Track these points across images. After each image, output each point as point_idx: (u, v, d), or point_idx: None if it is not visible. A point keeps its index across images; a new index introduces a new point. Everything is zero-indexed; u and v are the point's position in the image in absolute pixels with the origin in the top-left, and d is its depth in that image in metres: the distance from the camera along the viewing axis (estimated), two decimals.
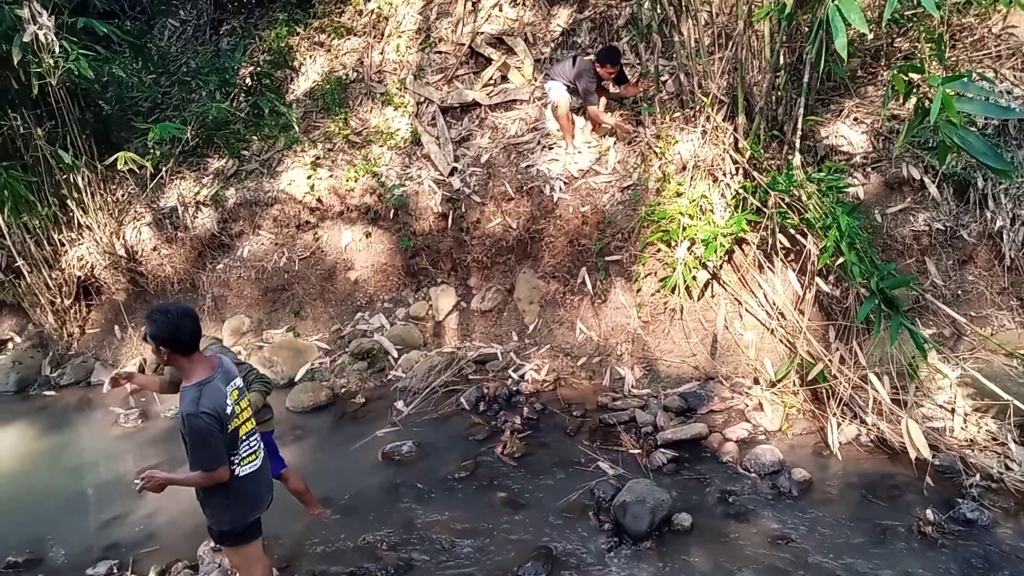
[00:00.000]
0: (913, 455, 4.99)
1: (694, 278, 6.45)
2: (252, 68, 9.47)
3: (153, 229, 8.57)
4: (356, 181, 8.19)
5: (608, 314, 7.05)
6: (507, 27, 9.05)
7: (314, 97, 9.33)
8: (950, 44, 6.64)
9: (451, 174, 8.00)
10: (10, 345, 9.07)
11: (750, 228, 6.29)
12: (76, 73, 7.38)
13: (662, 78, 7.49)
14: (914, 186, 6.24)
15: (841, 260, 5.49)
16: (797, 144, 6.14)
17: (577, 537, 4.85)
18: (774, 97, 6.41)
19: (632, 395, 6.52)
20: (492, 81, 8.76)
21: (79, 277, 8.59)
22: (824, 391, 5.71)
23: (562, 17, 8.94)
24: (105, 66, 8.07)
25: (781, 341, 6.26)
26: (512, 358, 7.23)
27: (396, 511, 5.31)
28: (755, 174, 6.24)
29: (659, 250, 6.70)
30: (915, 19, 6.69)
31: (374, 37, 9.66)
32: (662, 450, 5.66)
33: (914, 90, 4.60)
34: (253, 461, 3.66)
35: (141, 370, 8.00)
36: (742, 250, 6.49)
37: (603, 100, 7.62)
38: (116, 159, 7.75)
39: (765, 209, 6.09)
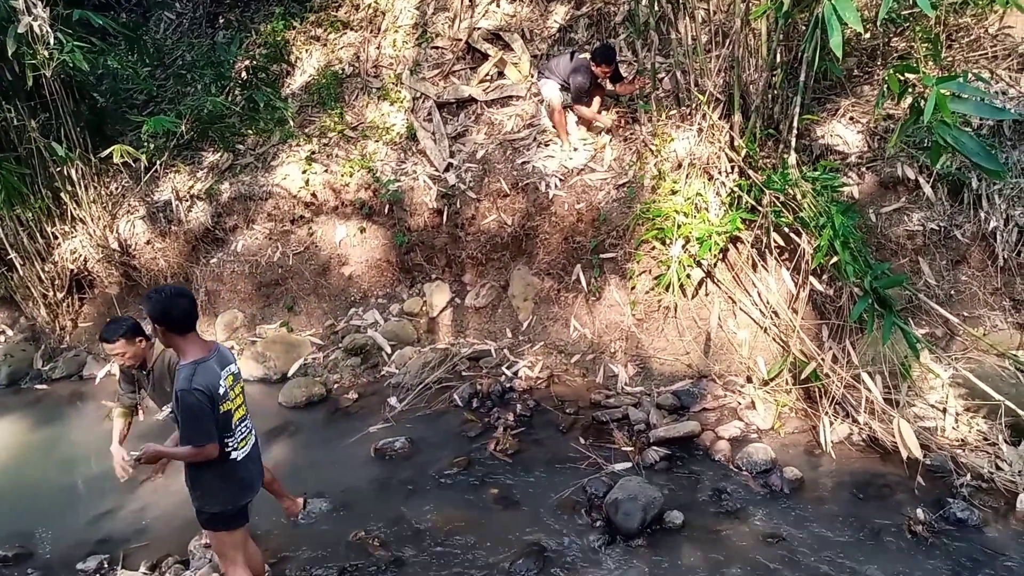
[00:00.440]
0: (904, 454, 5.01)
1: (688, 276, 6.45)
2: (248, 62, 9.42)
3: (147, 223, 8.54)
4: (351, 176, 8.17)
5: (602, 311, 7.05)
6: (504, 23, 9.03)
7: (310, 92, 9.30)
8: (946, 44, 6.65)
9: (446, 170, 7.99)
10: (2, 338, 9.02)
11: (745, 226, 6.29)
12: (71, 65, 7.35)
13: (658, 75, 7.48)
14: (909, 186, 6.25)
15: (835, 259, 5.49)
16: (792, 143, 6.13)
17: (569, 534, 4.85)
18: (770, 95, 6.41)
19: (625, 393, 6.51)
20: (488, 77, 8.75)
21: (72, 270, 8.56)
22: (817, 390, 5.71)
23: (559, 13, 8.92)
24: (100, 58, 8.04)
25: (774, 340, 6.27)
26: (506, 355, 7.23)
27: (388, 507, 5.31)
28: (750, 172, 6.24)
29: (654, 248, 6.70)
30: (911, 19, 6.69)
31: (370, 32, 9.64)
32: (654, 448, 5.67)
33: (909, 90, 4.61)
34: (245, 447, 3.71)
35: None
36: (736, 248, 6.49)
37: (597, 99, 7.61)
38: (110, 152, 7.71)
39: (760, 208, 6.09)
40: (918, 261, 6.10)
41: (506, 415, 6.33)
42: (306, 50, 9.76)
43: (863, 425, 5.49)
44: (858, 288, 5.45)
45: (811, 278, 5.86)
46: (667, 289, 6.49)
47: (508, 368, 7.03)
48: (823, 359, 5.69)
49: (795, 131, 6.12)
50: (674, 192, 6.65)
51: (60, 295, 8.61)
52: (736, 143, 6.47)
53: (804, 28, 6.16)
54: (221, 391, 3.49)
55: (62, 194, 8.22)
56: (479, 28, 9.01)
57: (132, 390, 4.54)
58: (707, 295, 6.60)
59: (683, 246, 6.42)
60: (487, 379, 6.88)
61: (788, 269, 6.13)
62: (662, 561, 4.55)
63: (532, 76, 8.40)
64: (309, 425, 6.71)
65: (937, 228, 6.06)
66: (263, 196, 8.41)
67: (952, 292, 6.02)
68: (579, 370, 6.95)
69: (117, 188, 8.83)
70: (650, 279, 6.75)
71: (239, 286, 8.38)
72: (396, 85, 9.00)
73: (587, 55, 7.32)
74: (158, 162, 8.57)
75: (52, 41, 7.12)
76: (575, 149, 7.61)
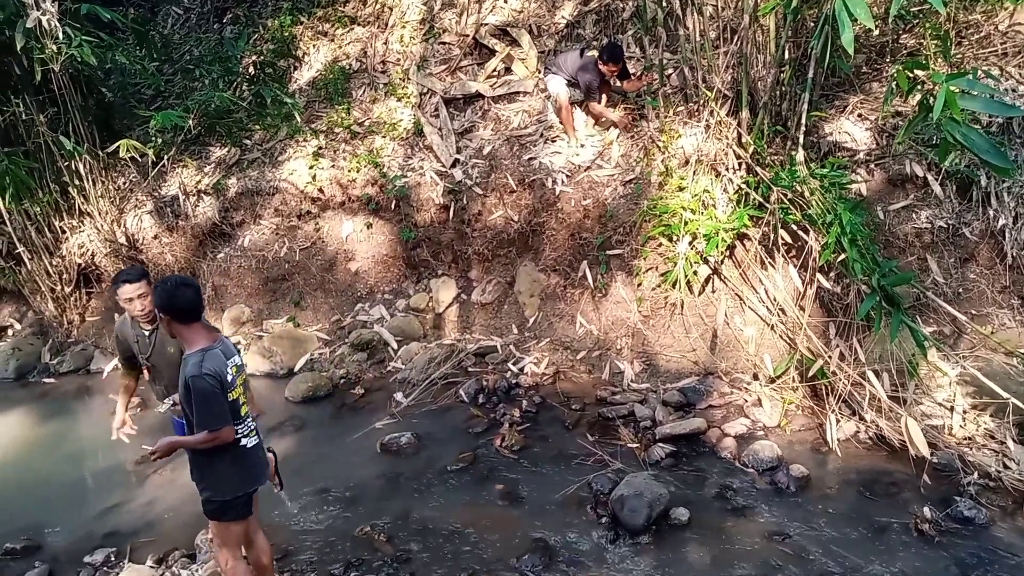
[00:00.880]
0: (912, 452, 4.99)
1: (695, 273, 6.44)
2: (255, 57, 9.43)
3: (154, 217, 8.56)
4: (358, 172, 8.17)
5: (608, 308, 7.05)
6: (511, 18, 9.01)
7: (317, 87, 9.31)
8: (956, 41, 6.61)
9: (453, 166, 7.98)
10: (10, 332, 9.08)
11: (752, 223, 6.27)
12: (79, 60, 7.36)
13: (666, 72, 7.46)
14: (917, 183, 6.22)
15: (843, 257, 5.48)
16: (801, 140, 6.11)
17: (574, 530, 4.85)
18: (778, 92, 6.38)
19: (631, 389, 6.51)
20: (496, 73, 8.73)
21: (80, 264, 8.59)
22: (823, 388, 5.70)
23: (567, 9, 8.90)
24: (108, 53, 8.05)
25: (781, 337, 6.26)
26: (512, 351, 7.23)
27: (394, 502, 5.32)
28: (758, 169, 6.22)
29: (660, 244, 6.69)
30: (921, 15, 6.65)
31: (378, 27, 9.64)
32: (660, 444, 5.66)
33: (918, 87, 4.58)
34: (253, 437, 3.75)
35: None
36: (744, 245, 6.48)
37: (604, 96, 7.60)
38: (118, 146, 7.74)
39: (767, 204, 6.07)
40: (926, 259, 6.07)
41: (512, 411, 6.33)
42: (313, 45, 9.77)
43: (870, 423, 5.47)
44: (866, 285, 5.44)
45: (818, 275, 5.84)
46: (674, 286, 6.48)
47: (514, 364, 7.03)
48: (830, 356, 5.67)
49: (803, 128, 6.10)
50: (681, 189, 6.63)
51: (68, 289, 8.64)
52: (744, 140, 6.45)
53: (813, 24, 6.15)
54: (228, 378, 3.52)
55: (70, 188, 8.25)
56: (486, 24, 9.00)
57: (130, 354, 4.52)
58: (714, 292, 6.59)
59: (690, 243, 6.41)
60: (493, 375, 6.88)
61: (795, 266, 6.12)
62: (668, 558, 4.55)
63: (539, 72, 8.39)
64: (315, 420, 6.72)
65: (945, 226, 6.03)
66: (270, 191, 8.42)
67: (960, 290, 5.99)
68: (585, 367, 6.95)
69: (125, 183, 8.85)
70: (657, 276, 6.74)
71: (246, 281, 8.40)
72: (403, 81, 8.99)
73: (595, 52, 7.30)
74: (165, 157, 8.59)
75: (60, 36, 7.15)
76: (582, 145, 7.60)
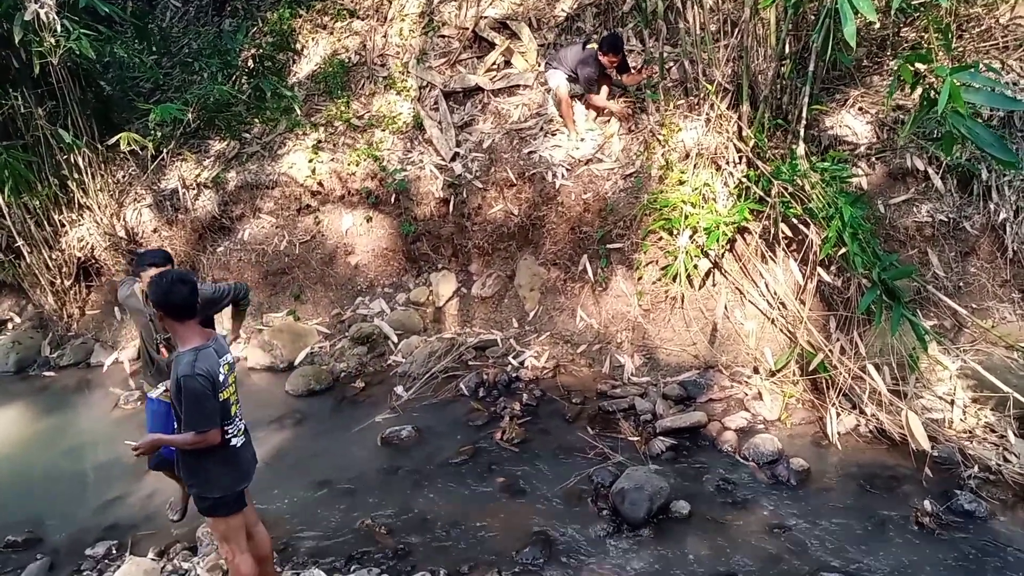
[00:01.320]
0: (912, 446, 5.00)
1: (695, 267, 6.44)
2: (254, 50, 9.39)
3: (154, 211, 8.54)
4: (357, 165, 8.15)
5: (608, 302, 7.05)
6: (511, 11, 8.99)
7: (316, 80, 9.28)
8: (956, 34, 6.60)
9: (453, 159, 7.97)
10: (10, 325, 9.06)
11: (752, 217, 6.27)
12: (77, 53, 7.32)
13: (667, 65, 7.44)
14: (918, 177, 6.21)
15: (843, 250, 5.47)
16: (801, 133, 6.10)
17: (575, 523, 4.86)
18: (779, 85, 6.37)
19: (631, 383, 6.52)
20: (495, 66, 8.71)
21: (79, 258, 8.56)
22: (824, 381, 5.71)
23: (567, 2, 8.87)
24: (107, 46, 8.01)
25: (781, 331, 6.26)
26: (512, 344, 7.23)
27: (395, 495, 5.33)
28: (758, 163, 6.21)
29: (661, 238, 6.68)
30: (922, 9, 6.62)
31: (377, 20, 9.60)
32: (661, 438, 5.67)
33: (920, 80, 4.57)
34: (241, 436, 3.72)
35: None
36: (744, 239, 6.47)
37: (604, 88, 7.58)
38: (117, 140, 7.71)
39: (768, 198, 6.06)
40: (927, 252, 6.07)
41: (512, 405, 6.34)
42: (312, 38, 9.73)
43: (870, 416, 5.48)
44: (866, 279, 5.44)
45: (819, 269, 5.84)
46: (674, 280, 6.48)
47: (514, 358, 7.04)
48: (830, 350, 5.68)
49: (804, 121, 6.09)
50: (682, 182, 6.62)
51: (67, 283, 8.62)
52: (744, 133, 6.45)
53: (813, 18, 6.14)
54: (221, 378, 3.48)
55: (69, 182, 8.23)
56: (486, 17, 8.97)
57: (147, 317, 4.50)
58: (714, 286, 6.59)
59: (690, 236, 6.40)
60: (493, 369, 6.88)
61: (796, 260, 6.12)
62: (668, 551, 4.56)
63: (539, 66, 8.37)
64: (316, 413, 6.72)
65: (946, 219, 6.03)
66: (270, 185, 8.40)
67: (961, 284, 5.99)
68: (585, 360, 6.95)
69: (124, 176, 8.83)
70: (657, 269, 6.73)
71: (246, 274, 8.38)
72: (403, 74, 8.97)
73: (595, 45, 7.28)
74: (165, 150, 8.56)
75: (59, 28, 7.10)
76: (582, 139, 7.58)
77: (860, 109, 6.60)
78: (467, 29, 8.98)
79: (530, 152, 7.67)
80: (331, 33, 9.71)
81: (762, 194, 6.14)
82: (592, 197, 7.19)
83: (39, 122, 7.84)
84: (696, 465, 5.41)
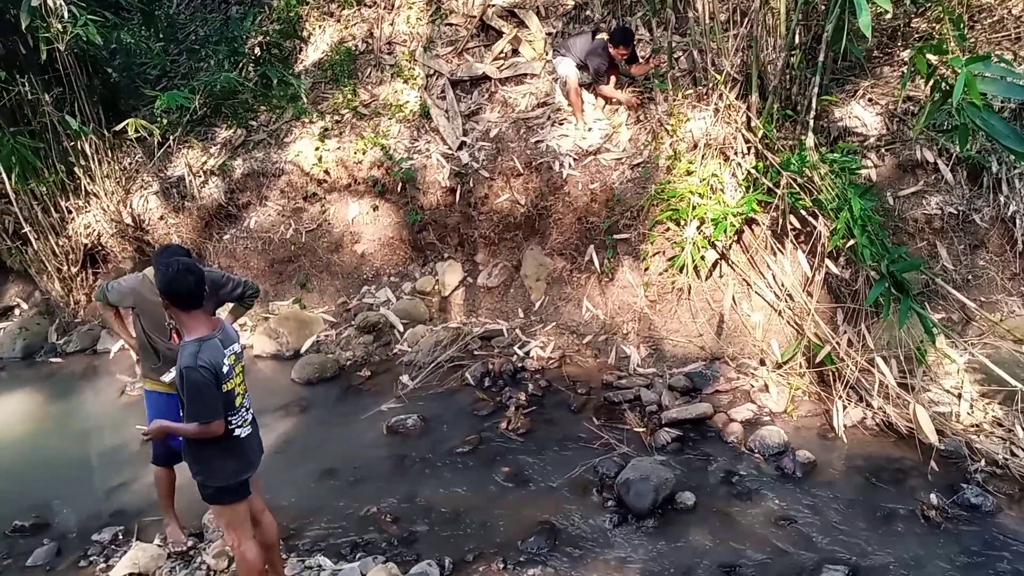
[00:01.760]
0: (919, 439, 4.98)
1: (703, 258, 6.41)
2: (261, 38, 9.36)
3: (160, 198, 8.54)
4: (364, 154, 8.13)
5: (615, 292, 7.03)
6: (519, 0, 8.93)
7: (323, 68, 9.25)
8: (968, 25, 6.54)
9: (460, 148, 7.94)
10: (17, 312, 9.10)
11: (761, 208, 6.24)
12: (84, 39, 7.32)
13: (675, 55, 7.39)
14: (927, 169, 6.18)
15: (852, 242, 5.45)
16: (811, 124, 6.07)
17: (580, 513, 4.87)
18: (788, 76, 6.32)
19: (637, 374, 6.51)
20: (503, 54, 8.67)
21: (86, 245, 8.58)
22: (831, 373, 5.69)
23: None
24: (114, 32, 8.01)
25: (788, 323, 6.24)
26: (518, 334, 7.23)
27: (400, 484, 5.34)
28: (767, 154, 6.18)
29: (668, 229, 6.65)
30: None
31: (384, 8, 9.55)
32: (666, 429, 5.66)
33: (934, 71, 4.53)
34: (247, 426, 3.71)
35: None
36: (752, 230, 6.44)
37: (612, 79, 7.54)
38: (124, 126, 7.71)
39: (776, 189, 6.03)
40: (935, 245, 6.04)
41: (518, 394, 6.34)
42: (319, 26, 9.69)
43: (877, 409, 5.46)
44: (874, 272, 5.41)
45: (827, 261, 5.82)
46: (681, 271, 6.45)
47: (520, 348, 7.03)
48: (838, 342, 5.66)
49: (813, 112, 6.06)
50: (689, 173, 6.59)
51: (74, 269, 8.64)
52: (753, 124, 6.40)
53: (824, 7, 6.09)
54: (225, 369, 3.46)
55: (76, 168, 8.24)
56: (493, 5, 8.92)
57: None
58: (721, 277, 6.56)
59: (698, 227, 6.38)
60: (499, 358, 6.88)
61: (804, 252, 6.09)
62: (673, 542, 4.56)
63: (547, 54, 8.32)
64: (321, 402, 6.73)
65: (955, 212, 6.00)
66: (276, 173, 8.39)
67: (969, 277, 5.96)
68: (591, 351, 6.94)
69: (131, 163, 8.84)
70: (664, 260, 6.71)
71: (252, 263, 8.39)
72: (410, 62, 8.93)
73: (605, 35, 7.23)
74: (171, 137, 8.56)
75: (66, 15, 7.09)
76: (589, 129, 7.55)
77: (870, 100, 6.55)
78: (475, 17, 8.93)
79: (537, 141, 7.64)
80: (338, 20, 9.67)
81: (770, 185, 6.11)
82: (599, 187, 7.16)
83: (46, 108, 7.85)
84: (701, 456, 5.40)
